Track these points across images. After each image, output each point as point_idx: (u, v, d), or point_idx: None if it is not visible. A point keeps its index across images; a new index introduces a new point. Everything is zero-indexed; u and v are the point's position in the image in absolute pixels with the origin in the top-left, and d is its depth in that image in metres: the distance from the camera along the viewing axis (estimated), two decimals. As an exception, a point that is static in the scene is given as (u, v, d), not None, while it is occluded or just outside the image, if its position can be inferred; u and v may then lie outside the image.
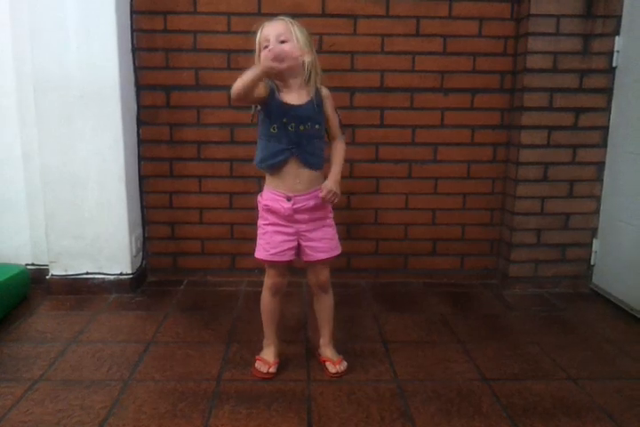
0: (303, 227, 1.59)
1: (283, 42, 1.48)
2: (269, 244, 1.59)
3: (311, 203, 1.57)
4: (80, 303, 2.20)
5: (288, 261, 1.62)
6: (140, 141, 2.39)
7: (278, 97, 1.53)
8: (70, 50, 2.11)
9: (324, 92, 1.58)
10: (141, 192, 2.43)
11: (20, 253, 2.40)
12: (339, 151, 1.63)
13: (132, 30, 2.29)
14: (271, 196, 1.58)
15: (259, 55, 1.53)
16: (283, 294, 1.69)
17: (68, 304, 2.20)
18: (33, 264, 2.41)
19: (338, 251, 1.66)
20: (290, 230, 1.59)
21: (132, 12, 2.28)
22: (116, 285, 2.31)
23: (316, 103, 1.54)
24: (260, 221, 1.63)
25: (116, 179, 2.23)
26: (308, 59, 1.52)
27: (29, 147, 2.27)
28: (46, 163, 2.21)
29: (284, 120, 1.52)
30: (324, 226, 1.62)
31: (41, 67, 2.12)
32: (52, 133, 2.18)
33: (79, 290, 2.29)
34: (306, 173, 1.56)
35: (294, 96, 1.54)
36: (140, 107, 2.37)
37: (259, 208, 1.63)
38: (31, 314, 2.10)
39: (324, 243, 1.62)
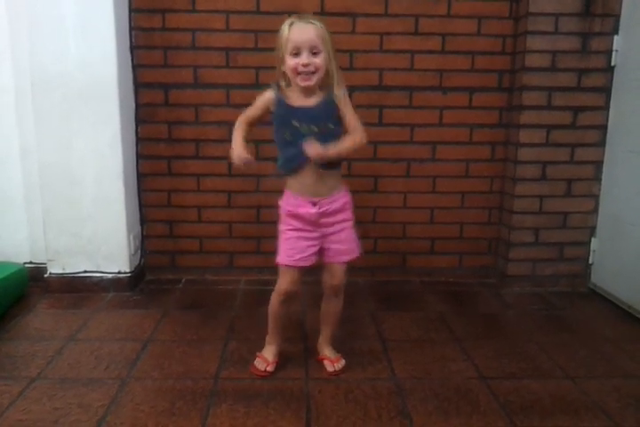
0: (327, 230, 1.58)
1: (315, 54, 1.45)
2: (294, 249, 1.57)
3: (334, 206, 1.56)
4: (78, 302, 2.20)
5: (310, 266, 1.60)
6: (139, 139, 2.39)
7: (286, 103, 1.52)
8: (69, 48, 2.11)
9: (340, 92, 1.53)
10: (139, 190, 2.43)
11: (19, 251, 2.39)
12: (350, 137, 1.53)
13: (131, 28, 2.29)
14: (295, 201, 1.56)
15: (282, 55, 1.48)
16: (292, 301, 1.66)
17: (66, 302, 2.20)
18: (31, 262, 2.41)
19: (358, 253, 1.64)
20: (314, 235, 1.57)
21: (131, 10, 2.28)
22: (114, 283, 2.31)
23: (328, 103, 1.51)
24: (282, 226, 1.60)
25: (114, 177, 2.23)
26: (334, 68, 1.50)
27: (27, 144, 2.27)
28: (44, 160, 2.20)
29: (295, 124, 1.51)
30: (346, 228, 1.60)
31: (39, 64, 2.12)
32: (50, 131, 2.17)
33: (77, 288, 2.29)
34: (326, 175, 1.53)
35: (308, 98, 1.52)
36: (138, 105, 2.36)
37: (280, 213, 1.61)
38: (29, 312, 2.10)
39: (346, 245, 1.60)
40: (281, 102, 1.53)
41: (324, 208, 1.55)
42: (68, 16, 2.09)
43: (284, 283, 1.60)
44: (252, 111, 1.59)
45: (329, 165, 1.53)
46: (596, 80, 2.29)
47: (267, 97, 1.56)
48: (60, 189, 2.22)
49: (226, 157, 2.39)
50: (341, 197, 1.58)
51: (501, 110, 2.43)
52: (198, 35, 2.32)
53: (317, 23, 1.48)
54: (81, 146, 2.19)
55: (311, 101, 1.52)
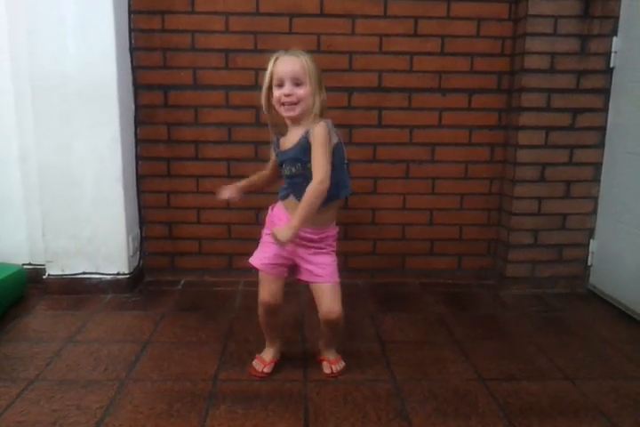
0: (300, 250, 1.57)
1: (297, 85, 1.47)
2: (264, 253, 1.60)
3: (309, 235, 1.55)
4: (77, 303, 2.20)
5: (280, 277, 1.59)
6: (138, 141, 2.39)
7: (277, 148, 1.58)
8: (68, 49, 2.11)
9: (315, 130, 1.46)
10: (139, 192, 2.43)
11: (17, 252, 2.39)
12: (305, 194, 1.44)
13: (130, 30, 2.29)
14: (278, 211, 1.60)
15: (268, 87, 1.51)
16: (277, 312, 1.64)
17: (65, 304, 2.19)
18: (30, 264, 2.40)
19: (332, 280, 1.58)
20: (286, 247, 1.57)
21: (130, 11, 2.28)
22: (113, 284, 2.30)
23: (302, 144, 1.48)
24: (263, 230, 1.64)
25: (113, 178, 2.23)
26: (318, 100, 1.50)
27: (26, 146, 2.27)
28: (43, 162, 2.20)
29: (283, 165, 1.55)
30: (320, 253, 1.58)
31: (39, 66, 2.12)
32: (49, 132, 2.17)
33: (76, 290, 2.28)
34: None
35: (292, 134, 1.53)
36: (137, 106, 2.37)
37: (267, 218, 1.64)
38: (28, 314, 2.10)
39: (321, 268, 1.57)
40: (275, 149, 1.60)
41: (299, 233, 1.51)
42: (68, 16, 2.09)
43: (262, 293, 1.60)
44: (268, 166, 1.70)
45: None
46: (595, 82, 2.29)
47: (272, 155, 1.65)
48: (60, 191, 2.22)
49: (225, 159, 2.42)
50: (322, 233, 1.56)
51: (500, 112, 2.43)
52: (197, 36, 2.32)
53: (302, 56, 1.49)
54: (80, 147, 2.19)
55: (291, 142, 1.53)
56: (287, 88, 1.47)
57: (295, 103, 1.48)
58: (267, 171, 1.70)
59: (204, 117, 2.39)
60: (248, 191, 1.69)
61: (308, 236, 1.55)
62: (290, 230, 1.43)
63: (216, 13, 2.30)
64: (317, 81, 1.50)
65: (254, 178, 1.70)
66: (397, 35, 2.35)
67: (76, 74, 2.13)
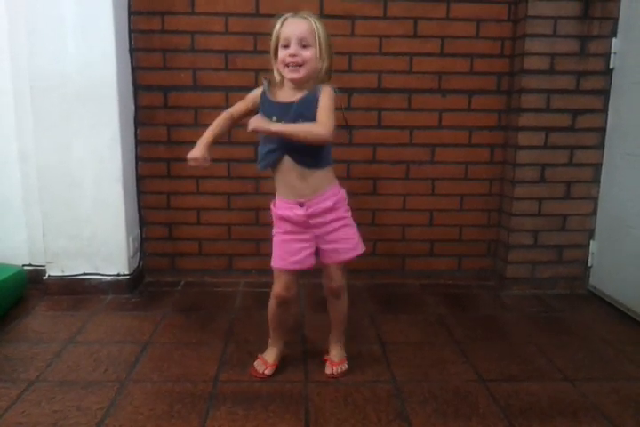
0: (320, 231, 1.55)
1: (304, 46, 1.44)
2: (288, 252, 1.55)
3: (323, 206, 1.53)
4: (77, 304, 2.20)
5: (307, 268, 1.58)
6: (138, 142, 2.39)
7: (269, 97, 1.52)
8: (68, 50, 2.11)
9: (323, 88, 1.47)
10: (139, 193, 2.43)
11: (17, 253, 2.39)
12: (307, 124, 1.44)
13: (130, 31, 2.29)
14: (283, 204, 1.55)
15: (275, 49, 1.48)
16: (289, 305, 1.65)
17: (65, 305, 2.19)
18: (30, 265, 2.40)
19: (359, 250, 1.61)
20: (306, 237, 1.55)
21: (130, 12, 2.28)
22: (113, 285, 2.30)
23: (309, 99, 1.46)
24: (274, 230, 1.60)
25: (113, 179, 2.23)
26: (325, 64, 1.48)
27: (26, 146, 2.27)
28: (43, 163, 2.20)
29: (274, 119, 1.47)
30: (342, 226, 1.56)
31: (38, 66, 2.12)
32: (48, 133, 2.17)
33: (76, 291, 2.28)
34: (308, 174, 1.50)
35: (291, 93, 1.50)
36: (137, 107, 2.37)
37: (273, 217, 1.60)
38: (28, 315, 2.09)
39: (343, 244, 1.57)
40: (265, 98, 1.52)
41: (312, 209, 1.52)
42: (68, 16, 2.09)
43: (277, 287, 1.60)
44: (238, 105, 1.58)
45: (308, 162, 1.49)
46: (595, 83, 2.30)
47: (255, 92, 1.56)
48: (59, 192, 2.22)
49: (225, 160, 2.42)
50: (330, 196, 1.54)
51: (500, 113, 2.43)
52: (197, 37, 2.33)
53: (311, 18, 1.46)
54: (80, 148, 2.19)
55: (294, 96, 1.49)
56: (293, 48, 1.43)
57: (300, 65, 1.44)
58: (231, 115, 1.57)
59: (204, 118, 2.38)
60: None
61: (325, 206, 1.52)
62: (267, 124, 1.41)
63: (216, 14, 2.31)
64: (326, 45, 1.46)
65: (217, 129, 1.55)
66: (397, 36, 2.35)
67: (75, 74, 2.13)
